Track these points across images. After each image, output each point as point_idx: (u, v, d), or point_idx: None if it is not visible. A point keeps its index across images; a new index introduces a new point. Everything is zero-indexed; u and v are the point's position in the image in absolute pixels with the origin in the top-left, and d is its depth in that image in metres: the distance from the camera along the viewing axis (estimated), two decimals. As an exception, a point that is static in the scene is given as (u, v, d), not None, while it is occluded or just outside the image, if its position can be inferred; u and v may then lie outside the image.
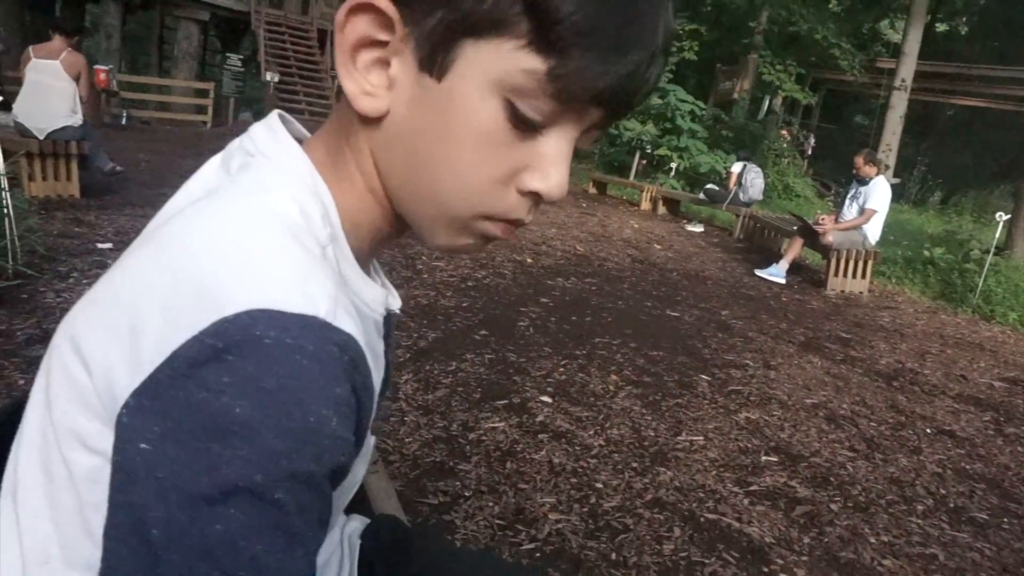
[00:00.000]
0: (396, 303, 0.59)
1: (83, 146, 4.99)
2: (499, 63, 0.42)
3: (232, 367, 0.36)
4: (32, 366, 2.40)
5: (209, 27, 14.90)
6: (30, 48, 5.00)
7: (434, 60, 0.43)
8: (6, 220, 3.15)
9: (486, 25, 0.41)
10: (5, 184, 3.20)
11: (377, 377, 0.56)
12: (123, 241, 4.05)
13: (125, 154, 6.59)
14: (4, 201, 3.16)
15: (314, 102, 13.23)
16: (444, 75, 0.44)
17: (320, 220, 0.46)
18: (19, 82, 4.98)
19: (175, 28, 14.53)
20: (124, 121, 10.79)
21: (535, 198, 0.48)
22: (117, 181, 5.53)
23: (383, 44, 0.45)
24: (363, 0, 0.44)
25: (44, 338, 2.63)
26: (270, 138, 0.50)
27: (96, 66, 9.14)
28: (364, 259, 0.54)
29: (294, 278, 0.40)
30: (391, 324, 0.61)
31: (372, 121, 0.47)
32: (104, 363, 0.40)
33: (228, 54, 14.31)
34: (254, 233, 0.41)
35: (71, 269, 3.43)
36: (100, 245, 3.90)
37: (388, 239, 0.55)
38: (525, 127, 0.44)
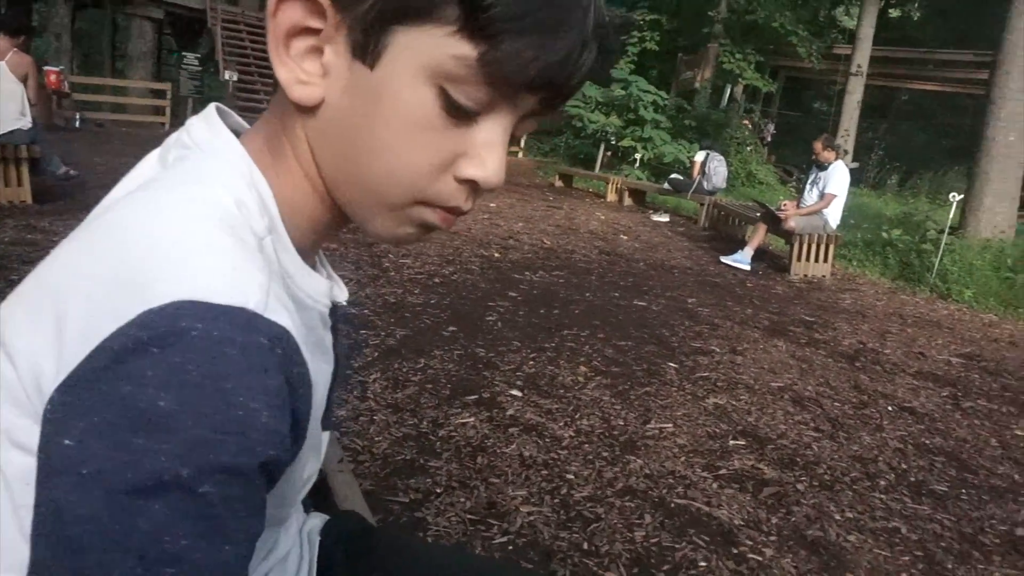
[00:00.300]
0: (342, 295, 0.59)
1: (34, 150, 4.86)
2: (430, 50, 0.42)
3: (157, 359, 0.36)
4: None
5: (164, 25, 14.57)
6: (-26, 50, 4.85)
7: (366, 47, 0.43)
8: (-46, 229, 3.05)
9: (416, 11, 0.41)
10: (-49, 192, 3.10)
11: (325, 368, 0.56)
12: (79, 247, 3.95)
13: (80, 158, 6.43)
14: (-49, 209, 3.06)
15: (275, 100, 13.03)
16: (376, 62, 0.43)
17: (257, 211, 0.45)
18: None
19: (128, 26, 14.19)
20: (78, 123, 10.52)
21: (472, 185, 0.48)
22: (72, 186, 5.40)
23: (316, 32, 0.45)
24: None
25: (-2, 349, 2.55)
26: (206, 130, 0.49)
27: (46, 67, 8.88)
28: (307, 249, 0.53)
29: (223, 269, 0.39)
30: (337, 315, 0.60)
31: (307, 110, 0.47)
32: (30, 356, 0.40)
33: (184, 53, 14.02)
34: (185, 224, 0.41)
35: (24, 277, 3.33)
36: (55, 252, 3.80)
37: (330, 229, 0.54)
38: (459, 114, 0.44)
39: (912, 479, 2.54)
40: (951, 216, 6.49)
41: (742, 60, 14.54)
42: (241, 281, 0.39)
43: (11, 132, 4.77)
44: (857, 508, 2.28)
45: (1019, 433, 3.12)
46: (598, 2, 0.45)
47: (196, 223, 0.41)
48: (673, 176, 9.12)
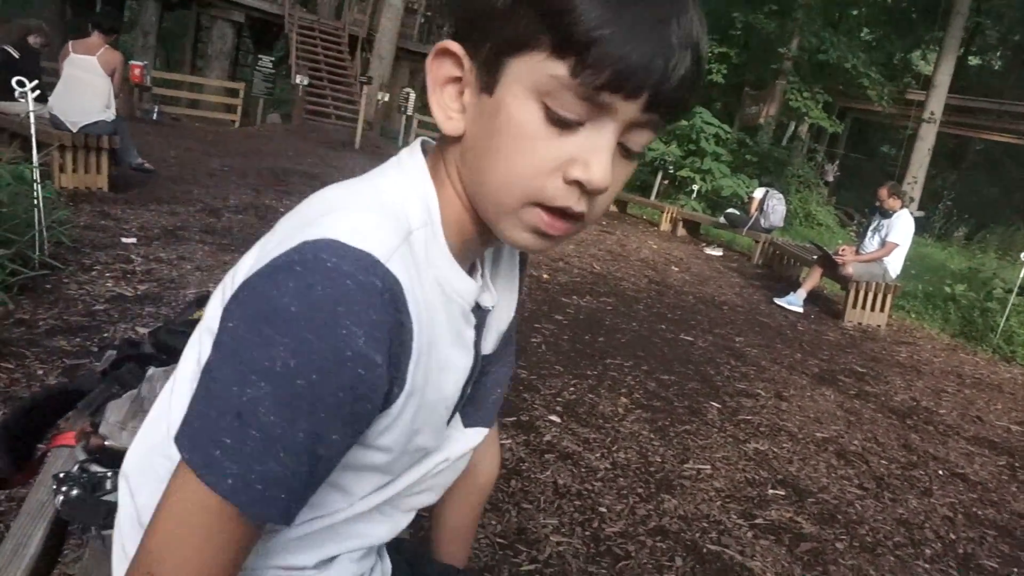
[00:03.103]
0: (489, 300, 0.69)
1: (114, 140, 5.08)
2: (532, 73, 0.51)
3: (298, 276, 0.48)
4: (52, 356, 2.45)
5: (243, 28, 15.14)
6: (69, 43, 5.12)
7: (488, 81, 0.53)
8: (35, 211, 3.22)
9: (519, 44, 0.51)
10: (37, 175, 3.27)
11: (462, 360, 0.65)
12: (147, 236, 4.12)
13: (154, 149, 6.70)
14: (35, 192, 3.23)
15: (342, 106, 13.36)
16: (494, 90, 0.53)
17: (418, 210, 0.57)
18: (57, 76, 5.10)
19: (210, 27, 14.78)
20: (155, 116, 10.97)
21: (580, 187, 0.53)
22: (145, 177, 5.62)
23: (459, 79, 0.56)
24: (441, 47, 0.56)
25: (65, 329, 2.68)
26: (408, 154, 0.62)
27: (132, 62, 9.32)
28: (461, 255, 0.62)
29: (368, 227, 0.51)
30: (483, 318, 0.69)
31: (455, 140, 0.58)
32: (243, 271, 0.55)
33: (260, 55, 14.54)
34: (359, 197, 0.56)
35: (95, 262, 3.49)
36: (124, 239, 3.97)
37: (479, 238, 0.62)
38: (561, 124, 0.51)
39: (960, 551, 2.43)
40: (1021, 275, 6.23)
41: (809, 99, 14.30)
42: (377, 237, 0.51)
43: (95, 123, 5.01)
44: (899, 575, 2.19)
45: (1079, 512, 2.96)
46: (688, 14, 0.51)
47: (367, 202, 0.55)
48: (729, 211, 9.00)
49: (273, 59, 14.36)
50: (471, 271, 0.66)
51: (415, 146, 0.63)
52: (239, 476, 0.48)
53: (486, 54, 0.53)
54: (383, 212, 0.54)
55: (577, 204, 0.54)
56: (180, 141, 8.52)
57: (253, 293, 0.49)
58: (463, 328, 0.64)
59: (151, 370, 1.08)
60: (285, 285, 0.47)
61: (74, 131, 4.91)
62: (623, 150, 0.55)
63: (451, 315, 0.61)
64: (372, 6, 15.34)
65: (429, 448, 0.67)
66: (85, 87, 4.99)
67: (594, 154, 0.52)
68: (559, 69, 0.49)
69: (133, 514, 0.62)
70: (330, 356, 0.47)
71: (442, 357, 0.61)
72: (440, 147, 0.61)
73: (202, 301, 1.40)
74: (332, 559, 0.65)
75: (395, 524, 0.69)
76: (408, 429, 0.59)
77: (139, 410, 0.99)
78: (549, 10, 0.49)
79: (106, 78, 5.06)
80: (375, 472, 0.62)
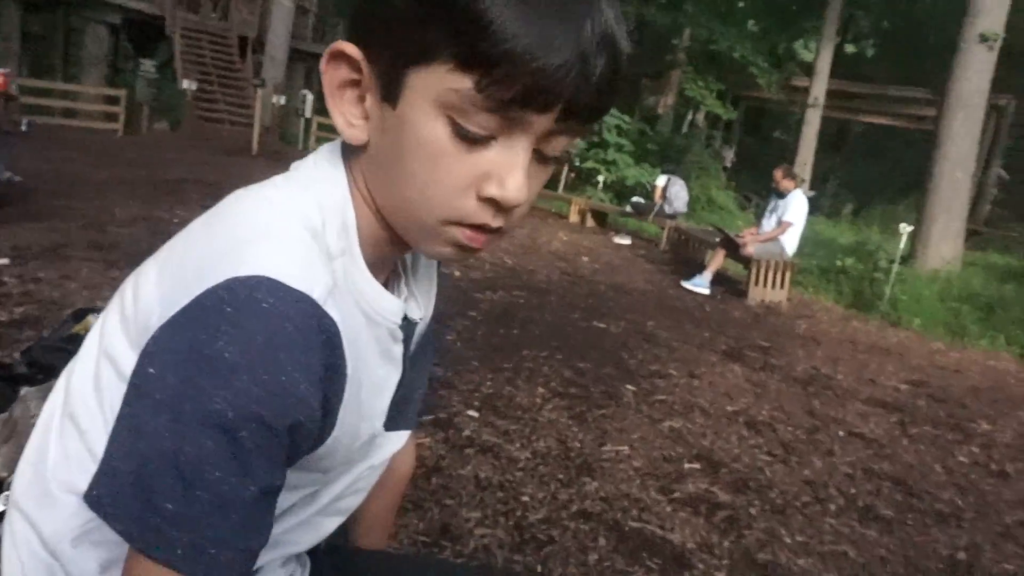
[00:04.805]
0: (416, 312, 0.67)
1: (-22, 154, 4.68)
2: (435, 86, 0.47)
3: (231, 318, 0.44)
4: (-87, 392, 2.21)
5: (120, 30, 14.25)
6: (-81, 49, 4.67)
7: (389, 91, 0.50)
8: None
9: (420, 55, 0.47)
10: None
11: (391, 376, 0.64)
12: (22, 256, 3.80)
13: (28, 163, 6.20)
14: None
15: (235, 111, 12.85)
16: (396, 103, 0.50)
17: (336, 234, 0.54)
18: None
19: (82, 29, 13.80)
20: (24, 127, 10.18)
21: (496, 204, 0.51)
22: (16, 192, 5.20)
23: (357, 83, 0.53)
24: (335, 49, 0.52)
25: (-72, 361, 2.43)
26: (328, 155, 0.58)
27: (-5, 70, 8.60)
28: (378, 270, 0.59)
29: (302, 262, 0.48)
30: (412, 330, 0.67)
31: (360, 149, 0.55)
32: (148, 302, 0.51)
33: (142, 59, 13.73)
34: (282, 221, 0.51)
35: (-37, 286, 3.19)
36: (-3, 260, 3.65)
37: (394, 249, 0.60)
38: (470, 140, 0.48)
39: (860, 504, 2.58)
40: (902, 246, 6.70)
41: (704, 88, 14.89)
42: (312, 274, 0.48)
43: (-44, 134, 4.60)
44: (807, 532, 2.30)
45: (962, 459, 3.20)
46: (603, 14, 0.47)
47: (291, 223, 0.51)
48: (635, 199, 9.25)
49: (156, 63, 13.59)
50: (392, 278, 0.65)
51: (336, 149, 0.58)
52: (189, 544, 0.44)
53: (386, 62, 0.50)
54: (308, 240, 0.50)
55: (494, 220, 0.52)
56: (57, 153, 7.95)
57: (180, 338, 0.45)
58: (390, 346, 0.62)
59: (24, 390, 0.99)
60: (217, 330, 0.44)
61: (-69, 145, 4.49)
62: (539, 156, 0.52)
63: (378, 336, 0.59)
64: (261, 6, 14.81)
65: (354, 467, 0.66)
66: (-59, 97, 4.57)
67: (508, 170, 0.49)
68: (464, 83, 0.46)
69: (35, 543, 0.57)
70: (272, 405, 0.44)
71: (373, 381, 0.60)
72: (349, 156, 0.58)
73: (79, 315, 1.29)
74: (257, 570, 0.63)
75: (319, 531, 0.67)
76: (336, 454, 0.58)
77: (12, 432, 0.90)
78: (452, 20, 0.45)
79: (-35, 86, 4.65)
80: (301, 489, 0.61)
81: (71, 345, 1.18)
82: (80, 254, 4.02)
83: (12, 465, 0.72)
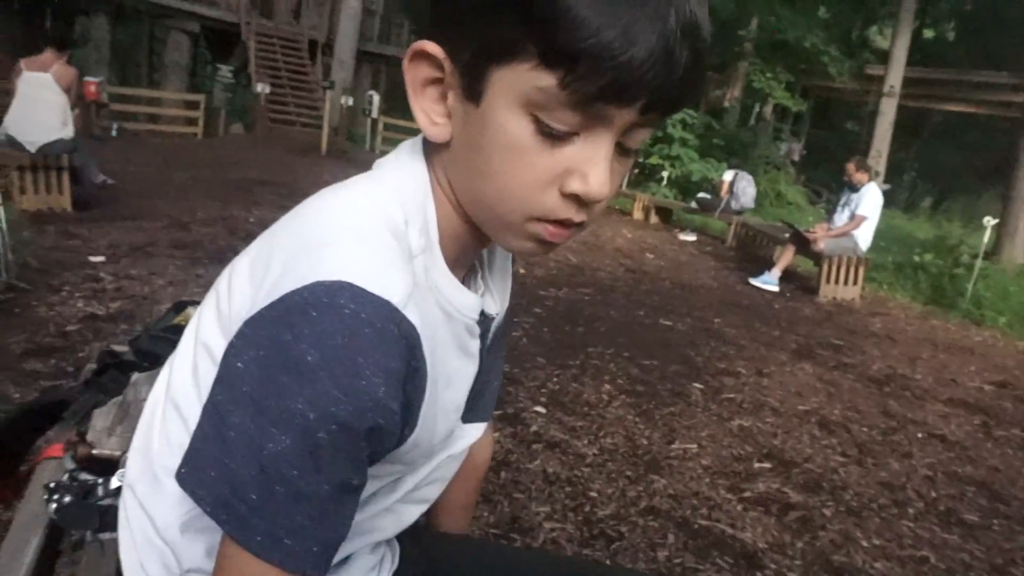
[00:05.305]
0: (493, 307, 0.68)
1: (74, 159, 4.99)
2: (518, 84, 0.47)
3: (314, 322, 0.45)
4: (27, 378, 2.40)
5: (199, 38, 14.89)
6: (21, 61, 5.01)
7: (472, 89, 0.50)
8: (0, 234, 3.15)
9: (502, 53, 0.47)
10: (-2, 198, 3.21)
11: (468, 370, 0.66)
12: (115, 254, 4.05)
13: (116, 167, 6.58)
14: (-3, 215, 3.16)
15: (304, 113, 13.24)
16: (480, 100, 0.50)
17: (418, 231, 0.55)
18: (10, 96, 4.98)
19: (164, 39, 14.51)
20: (114, 133, 10.77)
21: (577, 200, 0.51)
22: (108, 194, 5.53)
23: (440, 81, 0.53)
24: (418, 48, 0.52)
25: (38, 351, 2.63)
26: (410, 152, 0.59)
27: (86, 78, 9.13)
28: (458, 263, 0.61)
29: (383, 267, 0.49)
30: (488, 324, 0.68)
31: (443, 146, 0.55)
32: (241, 296, 0.53)
33: (219, 65, 14.31)
34: (365, 221, 0.52)
35: (63, 283, 3.43)
36: (92, 258, 3.90)
37: (475, 245, 0.61)
38: (553, 137, 0.49)
39: (942, 508, 2.50)
40: (985, 240, 6.38)
41: (772, 79, 14.46)
42: (393, 279, 0.49)
43: (54, 142, 4.91)
44: (885, 535, 2.24)
45: (1054, 464, 3.05)
46: (680, 4, 0.45)
47: (374, 225, 0.52)
48: (700, 195, 9.08)
49: (232, 68, 14.14)
50: (469, 274, 0.66)
51: (416, 146, 0.60)
52: (267, 533, 0.46)
53: (468, 60, 0.49)
54: (393, 242, 0.51)
55: (577, 215, 0.52)
56: (143, 157, 8.39)
57: (265, 335, 0.46)
58: (467, 341, 0.64)
59: (135, 376, 1.08)
60: (300, 332, 0.45)
61: (32, 151, 4.81)
62: (620, 149, 0.52)
63: (456, 332, 0.61)
64: (330, 9, 15.20)
65: (436, 452, 0.68)
66: (41, 105, 4.89)
67: (591, 166, 0.50)
68: (548, 80, 0.46)
69: (148, 528, 0.61)
70: (351, 408, 0.45)
71: (450, 376, 0.61)
72: (430, 153, 0.59)
73: (180, 307, 1.39)
74: (347, 558, 0.66)
75: (403, 518, 0.69)
76: (417, 449, 0.60)
77: (125, 415, 0.99)
78: (533, 16, 0.45)
79: (62, 94, 4.96)
80: (383, 478, 0.63)
81: (174, 335, 1.28)
82: (166, 252, 4.25)
83: (126, 444, 0.80)
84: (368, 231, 0.51)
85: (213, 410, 0.48)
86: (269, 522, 0.46)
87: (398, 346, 0.48)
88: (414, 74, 0.53)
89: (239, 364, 0.47)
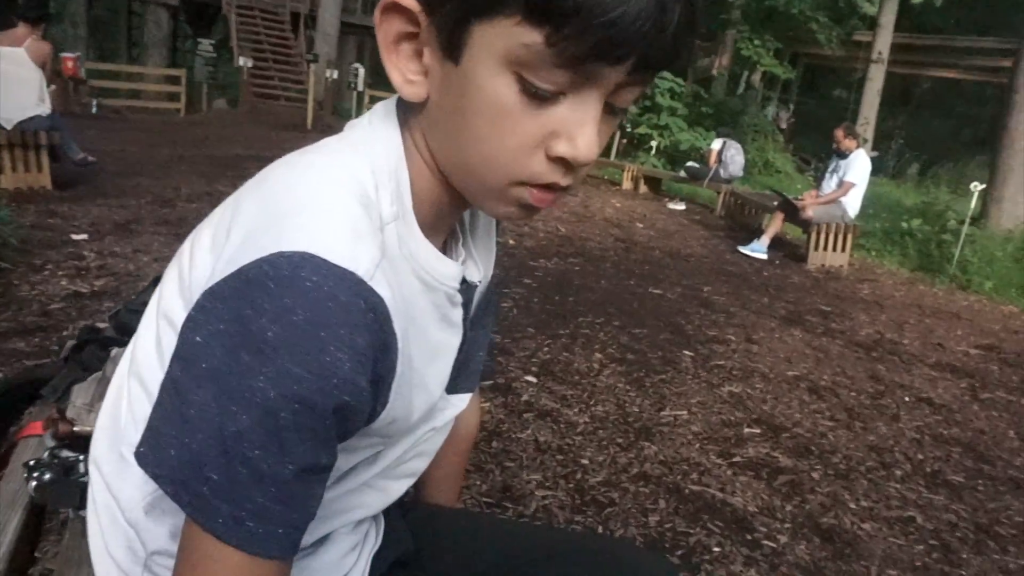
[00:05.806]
0: (475, 274, 0.65)
1: (53, 136, 4.89)
2: (502, 41, 0.44)
3: (273, 296, 0.43)
4: (10, 358, 2.37)
5: (179, 12, 14.60)
6: (-7, 37, 4.89)
7: (451, 45, 0.47)
8: (-23, 213, 3.09)
9: (485, 7, 0.44)
10: (-26, 176, 3.14)
11: (451, 340, 0.63)
12: (98, 231, 3.99)
13: (97, 144, 6.47)
14: (-26, 194, 3.10)
15: (289, 87, 13.04)
16: (460, 58, 0.47)
17: (390, 199, 0.52)
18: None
19: (143, 14, 14.22)
20: (94, 110, 10.58)
21: (564, 163, 0.49)
22: (89, 171, 5.44)
23: (415, 36, 0.50)
24: (390, 1, 0.49)
25: (22, 330, 2.59)
26: (383, 115, 0.56)
27: (63, 54, 8.94)
28: (435, 230, 0.58)
29: (349, 237, 0.46)
30: (471, 293, 0.65)
31: (419, 106, 0.53)
32: (201, 263, 0.51)
33: (199, 39, 14.04)
34: (330, 190, 0.49)
35: (46, 261, 3.38)
36: (75, 236, 3.84)
37: (453, 210, 0.59)
38: (539, 97, 0.46)
39: (928, 469, 2.53)
40: (972, 206, 6.40)
41: (760, 47, 14.35)
42: (359, 249, 0.46)
43: (31, 119, 4.80)
44: (872, 497, 2.27)
45: (1038, 425, 3.09)
46: None
47: (340, 192, 0.49)
48: (689, 164, 9.05)
49: (213, 42, 13.89)
50: (449, 240, 0.63)
51: (391, 107, 0.56)
52: (230, 515, 0.44)
53: (446, 14, 0.46)
54: (361, 211, 0.49)
55: (564, 179, 0.50)
56: (124, 134, 8.25)
57: (224, 308, 0.44)
58: (449, 311, 0.61)
59: (114, 351, 1.06)
60: (260, 306, 0.43)
61: (9, 128, 4.71)
62: (608, 109, 0.49)
63: (436, 301, 0.58)
64: (312, -20, 14.91)
65: (435, 425, 0.66)
66: (16, 81, 4.77)
67: (579, 128, 0.47)
68: (533, 37, 0.43)
69: (112, 506, 0.59)
70: (314, 386, 0.43)
71: (430, 347, 0.59)
72: (403, 114, 0.56)
73: (159, 281, 1.37)
74: (326, 536, 0.64)
75: (387, 494, 0.68)
76: (393, 424, 0.57)
77: (105, 390, 0.97)
78: None
79: (37, 70, 4.85)
80: (360, 451, 0.60)
81: (154, 309, 1.26)
82: (150, 229, 4.19)
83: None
84: (333, 199, 0.48)
85: (172, 387, 0.46)
86: (232, 504, 0.44)
87: (364, 320, 0.45)
88: (387, 29, 0.50)
89: (198, 339, 0.44)
